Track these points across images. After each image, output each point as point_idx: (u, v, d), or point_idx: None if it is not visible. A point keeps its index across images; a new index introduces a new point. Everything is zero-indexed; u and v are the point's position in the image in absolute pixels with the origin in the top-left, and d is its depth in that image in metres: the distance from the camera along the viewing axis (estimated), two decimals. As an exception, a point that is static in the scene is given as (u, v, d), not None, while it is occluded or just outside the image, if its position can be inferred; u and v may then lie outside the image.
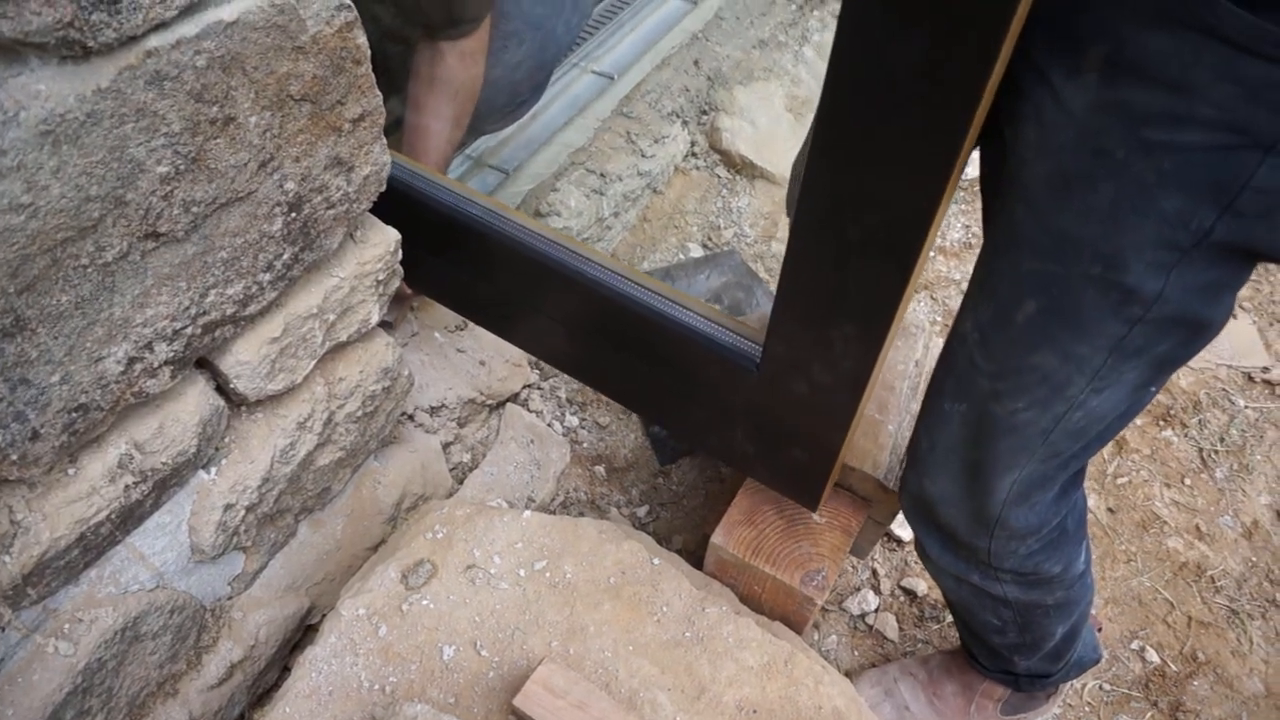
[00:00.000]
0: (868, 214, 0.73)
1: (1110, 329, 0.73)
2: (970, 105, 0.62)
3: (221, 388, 0.96)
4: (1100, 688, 1.39)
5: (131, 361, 0.80)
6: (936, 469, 0.93)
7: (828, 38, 2.64)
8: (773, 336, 0.90)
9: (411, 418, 1.40)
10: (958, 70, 0.61)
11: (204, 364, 0.93)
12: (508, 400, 1.56)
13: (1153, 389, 0.81)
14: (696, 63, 2.28)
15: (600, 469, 1.56)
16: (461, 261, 1.17)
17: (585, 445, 1.59)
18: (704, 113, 2.23)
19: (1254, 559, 1.55)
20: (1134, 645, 1.43)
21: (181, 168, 0.75)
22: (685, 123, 2.17)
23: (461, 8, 1.30)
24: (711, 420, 1.08)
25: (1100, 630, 1.29)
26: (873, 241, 0.74)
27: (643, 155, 2.00)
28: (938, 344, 1.38)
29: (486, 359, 1.53)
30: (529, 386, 1.61)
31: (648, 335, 1.02)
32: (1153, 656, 1.42)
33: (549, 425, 1.58)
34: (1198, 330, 0.74)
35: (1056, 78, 0.68)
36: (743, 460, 1.11)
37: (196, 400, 0.90)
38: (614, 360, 1.13)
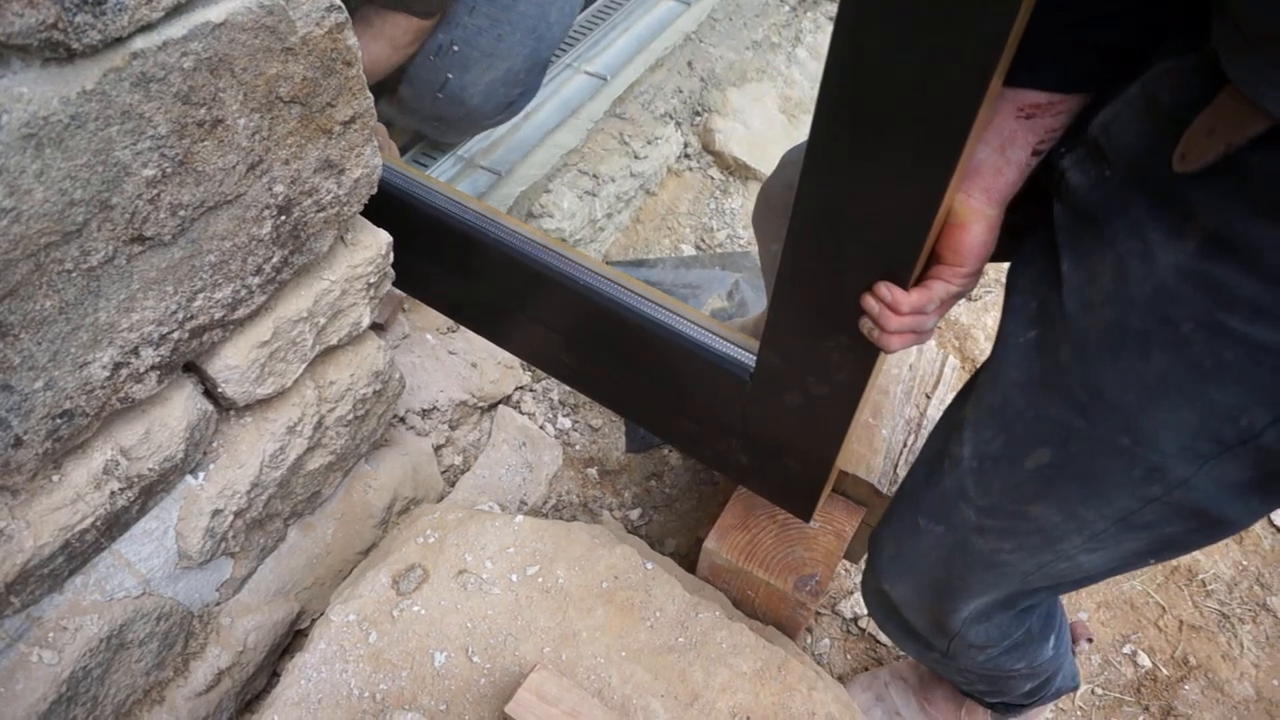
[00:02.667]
0: (862, 226, 0.72)
1: (1122, 501, 0.69)
2: (966, 120, 0.61)
3: (210, 392, 0.94)
4: (1092, 692, 1.38)
5: (117, 367, 0.79)
6: (899, 577, 0.90)
7: (821, 39, 2.63)
8: (766, 347, 0.89)
9: (403, 420, 1.39)
10: (953, 84, 0.60)
11: (191, 368, 0.92)
12: (500, 402, 1.55)
13: (1151, 560, 0.76)
14: (690, 64, 2.27)
15: (593, 471, 1.55)
16: (451, 265, 1.16)
17: (578, 447, 1.58)
18: (697, 114, 2.22)
19: (1244, 563, 1.55)
20: (1126, 649, 1.43)
21: (168, 170, 0.74)
22: (678, 124, 2.16)
23: None
24: (704, 429, 1.07)
25: (1091, 642, 1.28)
26: (867, 254, 0.73)
27: (636, 157, 1.99)
28: (931, 345, 1.38)
29: (478, 361, 1.52)
30: (521, 388, 1.60)
31: (639, 342, 1.02)
32: (1144, 660, 1.42)
33: (541, 427, 1.57)
34: (1215, 526, 0.69)
35: (1154, 234, 0.63)
36: (736, 470, 1.10)
37: (184, 405, 0.89)
38: (605, 367, 1.12)
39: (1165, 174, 0.62)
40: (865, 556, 0.97)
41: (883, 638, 1.40)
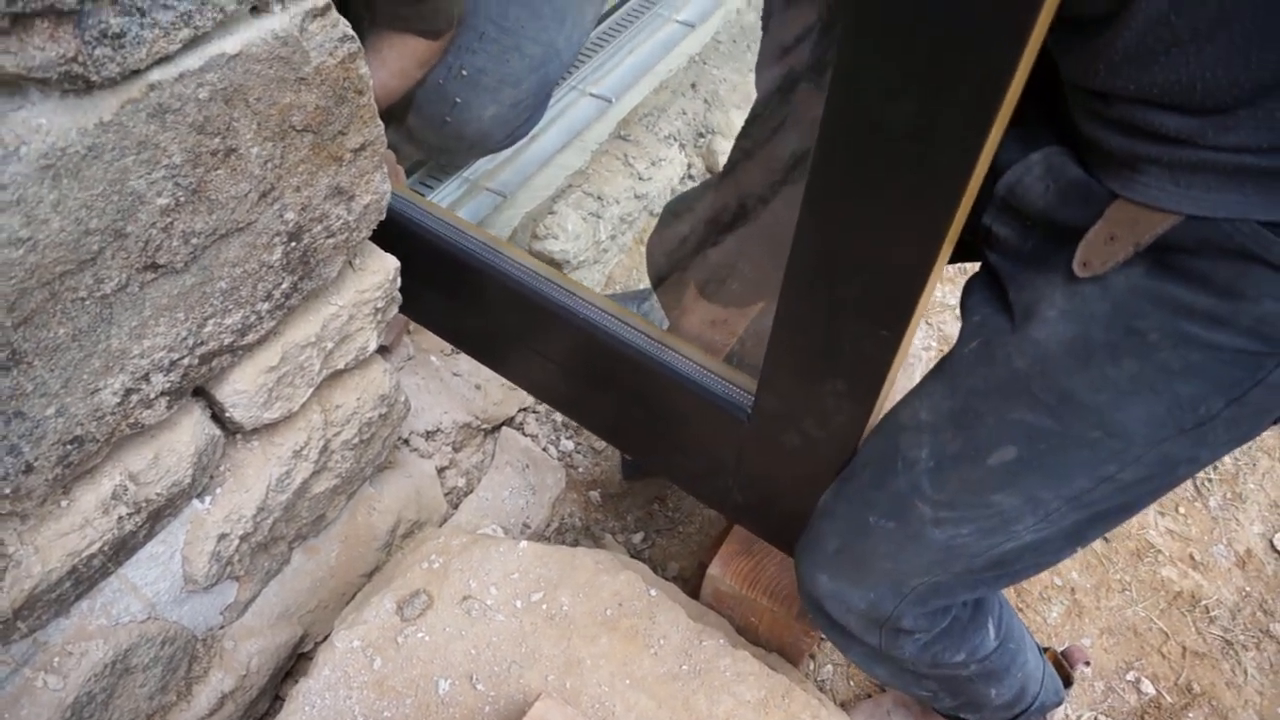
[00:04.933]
0: (859, 274, 0.72)
1: (1080, 483, 0.77)
2: (966, 168, 0.61)
3: (218, 416, 0.95)
4: (1096, 719, 1.38)
5: (128, 393, 0.79)
6: (842, 569, 0.90)
7: (824, 61, 2.65)
8: (763, 389, 0.89)
9: (407, 442, 1.39)
10: (953, 133, 0.60)
11: (200, 393, 0.92)
12: (503, 424, 1.55)
13: (1078, 548, 0.85)
14: (694, 85, 2.29)
15: (595, 494, 1.55)
16: (453, 292, 1.17)
17: (581, 470, 1.58)
18: (701, 135, 2.23)
19: (1247, 588, 1.55)
20: (1129, 676, 1.43)
21: (182, 199, 0.75)
22: (682, 146, 2.17)
23: (422, 5, 1.32)
24: (701, 467, 1.07)
25: (1089, 665, 1.28)
26: (864, 302, 0.74)
27: (640, 178, 2.00)
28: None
29: (482, 383, 1.52)
30: (524, 410, 1.60)
31: (637, 377, 1.02)
32: (1148, 688, 1.42)
33: (544, 450, 1.57)
34: (1143, 497, 0.78)
35: None
36: (733, 508, 1.10)
37: (192, 430, 0.89)
38: (604, 400, 1.13)
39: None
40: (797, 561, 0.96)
41: (886, 663, 1.39)
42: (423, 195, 1.61)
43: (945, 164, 0.62)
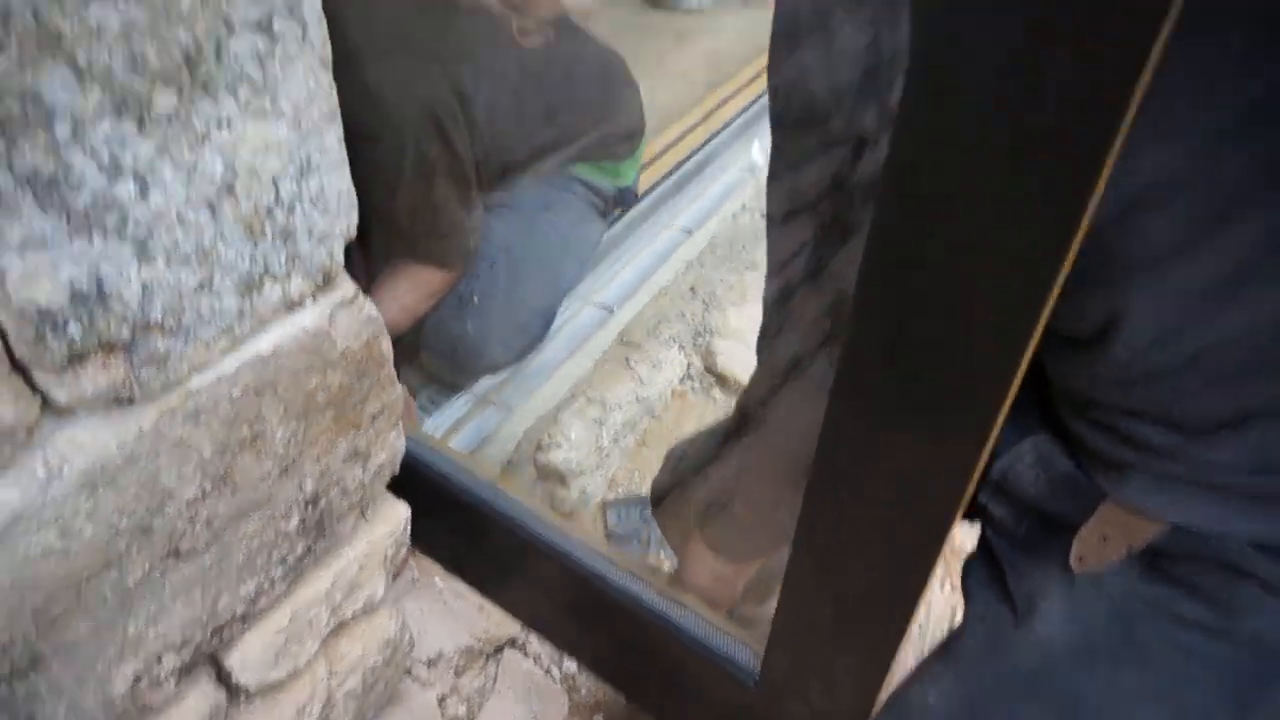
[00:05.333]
0: (862, 571, 0.74)
1: None
2: (1002, 392, 0.59)
3: (223, 679, 0.94)
4: None
5: (139, 678, 0.79)
6: None
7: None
8: (770, 657, 0.90)
9: (409, 672, 1.37)
10: (988, 355, 0.58)
11: (207, 659, 0.92)
12: (506, 644, 1.53)
13: None
14: (692, 289, 2.39)
15: (599, 719, 1.51)
16: (456, 528, 1.19)
17: (584, 692, 1.54)
18: (699, 335, 2.31)
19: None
20: None
21: (208, 489, 0.77)
22: (681, 347, 2.25)
23: (443, 241, 1.40)
24: (705, 720, 1.06)
25: None
26: (868, 593, 0.75)
27: (641, 383, 2.06)
28: (940, 598, 1.39)
29: (485, 604, 1.51)
30: (527, 628, 1.58)
31: (639, 630, 1.02)
32: None
33: (547, 670, 1.54)
34: None
35: None
36: (740, 764, 1.08)
37: (198, 701, 0.88)
38: (605, 646, 1.13)
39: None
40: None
41: None
42: (427, 414, 1.66)
43: (979, 390, 0.60)
